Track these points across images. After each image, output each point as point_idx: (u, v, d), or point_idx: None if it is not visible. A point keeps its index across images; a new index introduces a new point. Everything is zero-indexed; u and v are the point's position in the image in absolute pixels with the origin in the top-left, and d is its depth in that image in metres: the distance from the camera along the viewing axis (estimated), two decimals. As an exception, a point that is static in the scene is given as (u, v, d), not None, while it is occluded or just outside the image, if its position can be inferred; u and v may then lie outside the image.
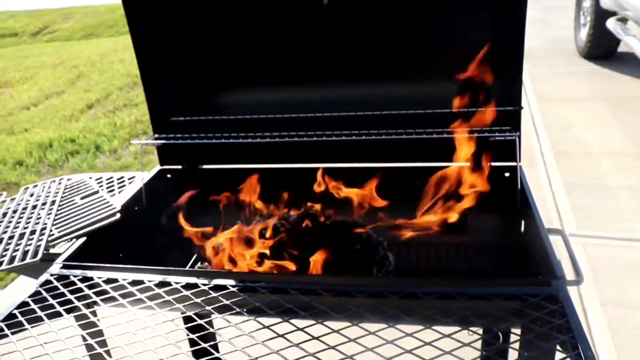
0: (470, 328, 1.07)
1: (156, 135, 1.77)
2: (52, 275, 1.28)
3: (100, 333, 1.15)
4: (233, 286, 1.14)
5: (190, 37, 1.72)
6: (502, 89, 1.56)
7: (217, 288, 1.15)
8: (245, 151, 1.79)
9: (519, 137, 1.48)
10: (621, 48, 6.38)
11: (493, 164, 1.63)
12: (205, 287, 1.15)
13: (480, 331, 1.15)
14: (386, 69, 1.67)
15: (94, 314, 1.17)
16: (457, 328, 1.00)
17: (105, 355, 1.03)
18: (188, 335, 1.10)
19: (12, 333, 1.11)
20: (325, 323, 1.02)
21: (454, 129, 1.55)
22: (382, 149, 1.70)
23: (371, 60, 1.67)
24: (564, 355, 0.93)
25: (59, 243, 1.44)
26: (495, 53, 1.54)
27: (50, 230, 1.46)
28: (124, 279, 1.22)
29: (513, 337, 1.01)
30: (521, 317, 0.99)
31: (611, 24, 5.55)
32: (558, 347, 0.95)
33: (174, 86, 1.80)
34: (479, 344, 0.98)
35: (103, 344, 1.08)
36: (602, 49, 6.30)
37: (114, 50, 10.47)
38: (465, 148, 1.50)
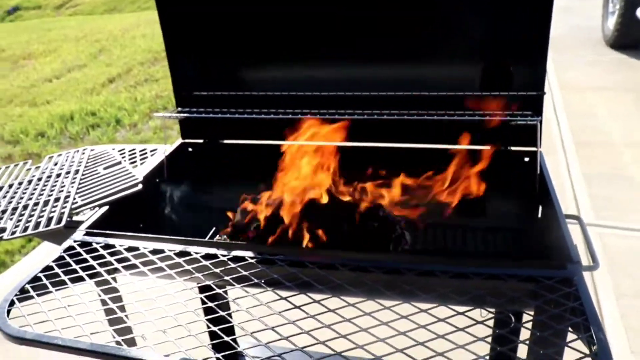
0: (485, 308, 1.08)
1: (179, 109, 1.79)
2: (75, 241, 1.32)
3: (120, 298, 1.19)
4: (252, 258, 1.17)
5: (215, 10, 1.73)
6: (526, 74, 1.55)
7: (235, 259, 1.17)
8: (266, 127, 1.79)
9: (540, 122, 1.47)
10: (650, 37, 6.24)
11: (513, 148, 1.63)
12: (225, 258, 1.18)
13: (494, 311, 1.16)
14: (410, 50, 1.66)
15: (115, 280, 1.21)
16: (471, 307, 1.01)
17: (125, 318, 1.06)
18: (204, 303, 1.13)
19: (38, 295, 1.15)
20: (341, 297, 1.04)
21: (475, 112, 1.54)
22: (403, 130, 1.70)
23: (395, 42, 1.66)
24: (575, 337, 0.94)
25: (82, 211, 1.47)
26: (520, 37, 1.52)
27: (74, 199, 1.50)
28: (144, 248, 1.25)
29: (526, 318, 1.02)
30: (535, 298, 0.99)
31: (641, 12, 5.43)
32: (570, 330, 0.95)
33: (198, 60, 1.82)
34: (491, 323, 0.99)
35: (123, 308, 1.12)
36: (630, 38, 6.17)
37: (136, 25, 10.50)
38: (486, 131, 1.49)
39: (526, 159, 1.59)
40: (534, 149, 1.55)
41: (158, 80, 6.75)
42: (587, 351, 0.88)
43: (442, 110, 1.60)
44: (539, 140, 1.48)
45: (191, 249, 1.22)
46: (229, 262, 1.16)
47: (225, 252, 1.20)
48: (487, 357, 0.97)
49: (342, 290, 1.06)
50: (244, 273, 1.13)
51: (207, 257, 1.20)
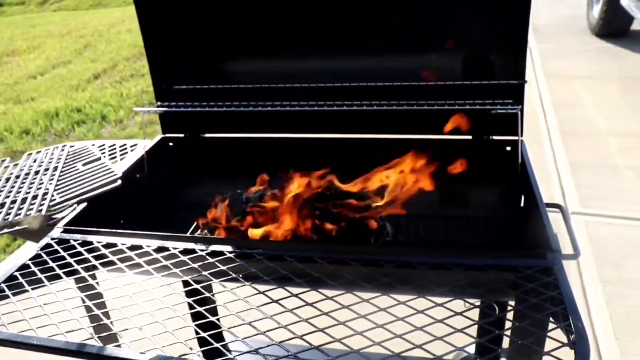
0: (465, 300, 1.07)
1: (159, 103, 1.77)
2: (52, 239, 1.30)
3: (98, 296, 1.17)
4: (230, 252, 1.15)
5: (193, 4, 1.70)
6: (506, 62, 1.54)
7: (214, 254, 1.16)
8: (246, 120, 1.78)
9: (521, 110, 1.46)
10: (634, 26, 6.27)
11: (495, 137, 1.63)
12: (203, 253, 1.16)
13: (478, 302, 1.16)
14: (390, 40, 1.65)
15: (93, 277, 1.19)
16: (451, 298, 1.00)
17: (102, 317, 1.04)
18: (187, 299, 1.11)
19: (13, 294, 1.13)
20: (319, 290, 1.03)
21: (455, 101, 1.54)
22: (383, 121, 1.69)
23: (373, 31, 1.65)
24: (555, 326, 0.94)
25: (60, 208, 1.45)
26: (499, 24, 1.51)
27: (52, 195, 1.48)
28: (122, 244, 1.24)
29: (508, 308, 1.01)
30: (515, 288, 0.99)
31: (626, 1, 5.44)
32: (551, 319, 0.95)
33: (177, 54, 1.79)
34: (471, 314, 0.98)
35: (101, 306, 1.10)
36: (614, 27, 6.20)
37: (122, 20, 10.40)
38: (465, 120, 1.48)
39: (508, 148, 1.59)
40: (515, 137, 1.55)
41: (144, 75, 6.69)
42: (565, 340, 0.88)
43: (422, 100, 1.59)
44: (520, 129, 1.48)
45: (169, 244, 1.21)
46: (207, 257, 1.15)
47: (203, 247, 1.18)
48: (468, 349, 0.97)
49: (320, 283, 1.05)
50: (222, 268, 1.12)
51: (185, 252, 1.18)
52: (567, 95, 4.90)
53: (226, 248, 1.17)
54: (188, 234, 1.49)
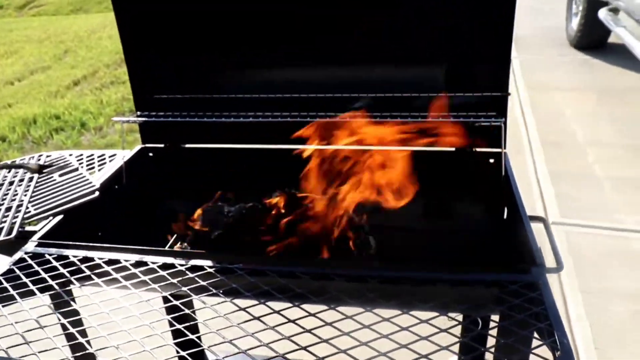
0: (450, 314, 1.06)
1: (139, 113, 1.74)
2: (26, 253, 1.26)
3: (74, 313, 1.13)
4: (210, 267, 1.13)
5: (174, 11, 1.68)
6: (489, 74, 1.54)
7: (194, 269, 1.13)
8: (228, 131, 1.76)
9: (505, 123, 1.47)
10: (611, 39, 6.38)
11: (478, 149, 1.63)
12: (182, 268, 1.14)
13: (460, 317, 1.15)
14: (373, 51, 1.64)
15: (69, 293, 1.15)
16: (436, 314, 0.99)
17: (78, 335, 1.01)
18: (166, 316, 1.08)
19: (-17, 311, 1.09)
20: (302, 307, 1.01)
21: (439, 113, 1.53)
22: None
23: (359, 43, 1.64)
24: (541, 342, 0.93)
25: (35, 221, 1.41)
26: (483, 37, 1.52)
27: (27, 207, 1.43)
28: (99, 258, 1.20)
29: (492, 325, 1.00)
30: (500, 303, 0.98)
31: (602, 14, 5.54)
32: (535, 335, 0.94)
33: (158, 62, 1.77)
34: (456, 330, 0.97)
35: (77, 323, 1.06)
36: (592, 39, 6.30)
37: (103, 26, 10.29)
38: (449, 133, 1.48)
39: (491, 160, 1.59)
40: (498, 150, 1.55)
41: (125, 82, 6.60)
42: (551, 357, 0.87)
43: (405, 112, 1.58)
44: (503, 141, 1.48)
45: (148, 258, 1.18)
46: (187, 272, 1.12)
47: (183, 262, 1.16)
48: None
49: (303, 298, 1.03)
50: (202, 283, 1.09)
51: (164, 267, 1.15)
52: (548, 106, 4.96)
53: (206, 262, 1.14)
54: (167, 248, 1.45)
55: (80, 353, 0.96)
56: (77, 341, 0.99)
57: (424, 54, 1.61)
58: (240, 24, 1.67)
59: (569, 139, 4.37)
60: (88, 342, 0.98)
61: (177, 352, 0.93)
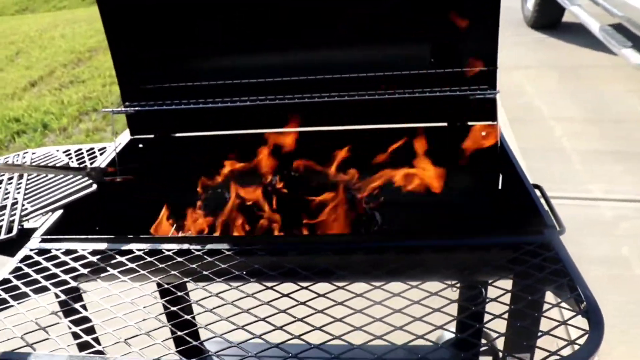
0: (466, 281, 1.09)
1: (126, 104, 1.70)
2: (31, 250, 1.22)
3: (95, 305, 1.11)
4: (228, 250, 1.12)
5: (157, 1, 1.65)
6: (479, 48, 1.57)
7: (211, 253, 1.12)
8: (217, 117, 1.74)
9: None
10: (565, 18, 6.59)
11: (469, 123, 1.66)
12: (200, 253, 1.13)
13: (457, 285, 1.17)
14: (359, 29, 1.65)
15: (79, 288, 1.13)
16: (449, 283, 1.02)
17: (103, 326, 0.99)
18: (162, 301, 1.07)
19: (-3, 310, 1.05)
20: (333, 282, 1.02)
21: (432, 89, 1.56)
22: (359, 111, 1.69)
23: (345, 22, 1.64)
24: (558, 300, 0.97)
25: (31, 218, 1.37)
26: (471, 11, 1.55)
27: (23, 205, 1.39)
28: (110, 250, 1.18)
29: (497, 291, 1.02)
30: (520, 264, 1.01)
31: (558, -7, 5.71)
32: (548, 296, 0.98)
33: (143, 53, 1.73)
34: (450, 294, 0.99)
35: (99, 316, 1.04)
36: (548, 18, 6.49)
37: (54, 26, 9.93)
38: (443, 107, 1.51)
39: (483, 133, 1.63)
40: (490, 122, 1.59)
41: (84, 81, 6.42)
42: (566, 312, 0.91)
43: (399, 89, 1.60)
44: (497, 113, 1.52)
45: (161, 246, 1.16)
46: (206, 257, 1.12)
47: (199, 247, 1.15)
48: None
49: (327, 274, 1.04)
50: (223, 266, 1.08)
51: (179, 253, 1.14)
52: (510, 84, 5.09)
53: (223, 246, 1.14)
54: (180, 235, 1.44)
55: (111, 344, 0.95)
56: (104, 333, 0.98)
57: (412, 30, 1.62)
58: (223, 10, 1.65)
59: (535, 115, 4.51)
60: (114, 332, 0.97)
61: (213, 333, 0.92)
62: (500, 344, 1.04)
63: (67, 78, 6.66)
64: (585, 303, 0.89)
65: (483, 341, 1.11)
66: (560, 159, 3.83)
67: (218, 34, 1.69)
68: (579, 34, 6.15)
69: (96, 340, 0.98)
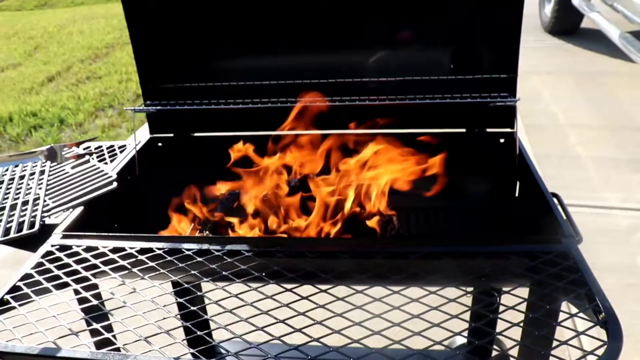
0: (484, 287, 1.09)
1: (147, 102, 1.72)
2: (52, 245, 1.24)
3: (103, 303, 1.12)
4: (247, 251, 1.13)
5: (180, 0, 1.67)
6: (500, 56, 1.58)
7: (230, 254, 1.13)
8: (237, 118, 1.76)
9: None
10: (583, 24, 6.54)
11: (488, 130, 1.66)
12: (219, 253, 1.14)
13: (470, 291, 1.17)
14: (382, 35, 1.65)
15: (96, 285, 1.14)
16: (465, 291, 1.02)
17: (123, 324, 1.00)
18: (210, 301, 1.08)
19: (20, 305, 1.07)
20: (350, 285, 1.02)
21: (452, 95, 1.56)
22: (377, 116, 1.70)
23: (365, 27, 1.65)
24: (576, 310, 0.97)
25: (53, 214, 1.39)
26: (493, 18, 1.55)
27: (44, 201, 1.41)
28: (131, 248, 1.19)
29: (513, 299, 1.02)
30: (538, 272, 1.01)
31: (576, 0, 5.66)
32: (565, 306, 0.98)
33: (165, 52, 1.75)
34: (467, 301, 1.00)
35: (106, 314, 1.06)
36: (566, 24, 6.45)
37: (72, 21, 10.04)
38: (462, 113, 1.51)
39: (501, 140, 1.63)
40: (509, 130, 1.59)
41: (101, 77, 6.48)
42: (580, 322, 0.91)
43: (415, 95, 1.60)
44: (516, 121, 1.52)
45: (183, 245, 1.18)
46: (225, 257, 1.13)
47: (218, 247, 1.16)
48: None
49: (344, 277, 1.05)
50: (242, 267, 1.10)
51: (198, 253, 1.15)
52: (527, 90, 5.06)
53: (243, 247, 1.15)
54: (198, 235, 1.45)
55: (132, 341, 0.96)
56: (125, 330, 0.99)
57: (434, 37, 1.63)
58: (246, 11, 1.67)
59: (550, 121, 4.48)
60: (134, 330, 0.98)
61: (233, 333, 0.93)
62: (515, 352, 1.04)
63: (84, 74, 6.73)
64: (603, 314, 0.89)
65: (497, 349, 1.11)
66: (575, 166, 3.80)
67: (240, 35, 1.71)
68: (596, 40, 6.11)
69: (116, 337, 0.99)
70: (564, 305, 1.00)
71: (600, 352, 0.83)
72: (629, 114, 4.50)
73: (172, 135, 1.80)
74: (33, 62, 7.56)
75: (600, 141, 4.11)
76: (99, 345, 0.96)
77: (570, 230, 1.12)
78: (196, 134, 1.83)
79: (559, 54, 6.02)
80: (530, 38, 6.51)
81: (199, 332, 0.94)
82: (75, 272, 1.15)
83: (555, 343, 0.88)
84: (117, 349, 0.94)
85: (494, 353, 0.98)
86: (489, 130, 1.64)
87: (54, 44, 8.41)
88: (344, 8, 1.63)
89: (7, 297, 1.09)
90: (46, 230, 1.32)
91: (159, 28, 1.72)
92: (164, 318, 0.99)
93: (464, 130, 1.66)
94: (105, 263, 1.16)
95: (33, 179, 1.55)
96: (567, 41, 6.39)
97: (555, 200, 1.39)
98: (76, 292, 1.12)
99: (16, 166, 1.66)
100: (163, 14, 1.69)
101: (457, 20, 1.59)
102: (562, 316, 0.97)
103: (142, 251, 1.18)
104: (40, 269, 1.16)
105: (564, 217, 1.17)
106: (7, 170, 1.64)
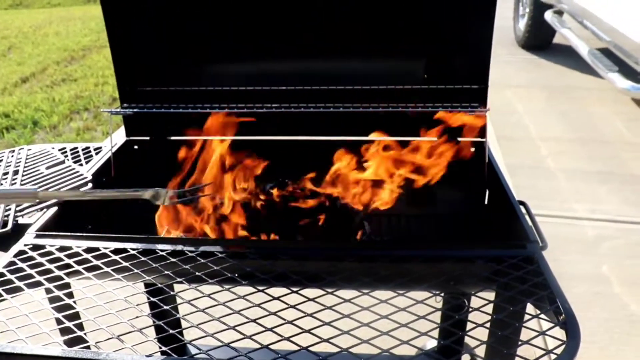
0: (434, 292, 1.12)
1: (124, 105, 1.72)
2: (25, 245, 1.24)
3: (76, 302, 1.13)
4: (221, 253, 1.15)
5: (159, 2, 1.68)
6: (471, 67, 1.62)
7: (204, 255, 1.15)
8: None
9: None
10: (556, 40, 6.72)
11: (460, 139, 1.71)
12: (193, 254, 1.15)
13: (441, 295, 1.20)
14: (360, 43, 1.69)
15: (69, 285, 1.14)
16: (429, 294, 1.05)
17: (95, 322, 1.01)
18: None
19: (-10, 303, 1.07)
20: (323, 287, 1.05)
21: (425, 104, 1.60)
22: (352, 123, 1.73)
23: (346, 35, 1.69)
24: (538, 312, 1.01)
25: (27, 213, 1.39)
26: (464, 28, 1.60)
27: (17, 201, 1.40)
28: (105, 248, 1.20)
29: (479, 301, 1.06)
30: (502, 276, 1.05)
31: (549, 15, 5.83)
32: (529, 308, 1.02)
33: (142, 55, 1.76)
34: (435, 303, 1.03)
35: (92, 312, 1.06)
36: (539, 39, 6.62)
37: (48, 22, 9.91)
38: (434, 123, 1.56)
39: (472, 149, 1.67)
40: (479, 139, 1.63)
41: (77, 80, 6.41)
42: (544, 323, 0.95)
43: (388, 103, 1.64)
44: (486, 131, 1.57)
45: (157, 246, 1.19)
46: (199, 258, 1.14)
47: (192, 248, 1.17)
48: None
49: (315, 279, 1.07)
50: (215, 268, 1.11)
51: (173, 254, 1.16)
52: (500, 102, 5.17)
53: (216, 248, 1.16)
54: (175, 236, 1.46)
55: (103, 340, 0.97)
56: (97, 329, 1.00)
57: (405, 46, 1.67)
58: (224, 16, 1.69)
59: (522, 133, 4.59)
60: (107, 327, 0.99)
61: (204, 332, 0.95)
62: (481, 352, 1.08)
63: (59, 76, 6.64)
64: (563, 315, 0.93)
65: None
66: (546, 177, 3.90)
67: (218, 40, 1.73)
68: (567, 55, 6.28)
69: (88, 336, 1.00)
70: (530, 308, 1.04)
71: (559, 350, 0.87)
72: (597, 127, 4.63)
73: (148, 138, 1.81)
74: (6, 63, 7.43)
75: (570, 153, 4.23)
76: (71, 343, 0.96)
77: (535, 236, 1.17)
78: (172, 138, 1.83)
79: (532, 69, 6.17)
80: (505, 52, 6.66)
81: (170, 331, 0.95)
82: (49, 271, 1.15)
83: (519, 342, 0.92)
84: (89, 347, 0.94)
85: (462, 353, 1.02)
86: (460, 139, 1.68)
87: (29, 44, 8.28)
88: (317, 16, 1.66)
89: (-22, 295, 1.08)
90: (20, 230, 1.32)
91: (137, 30, 1.72)
92: (137, 317, 1.00)
93: (435, 139, 1.70)
94: (78, 263, 1.17)
95: (6, 178, 1.54)
96: (540, 56, 6.56)
97: (522, 207, 1.45)
98: (48, 291, 1.12)
99: (-11, 166, 1.64)
100: (142, 15, 1.70)
101: (430, 32, 1.64)
102: (527, 317, 1.01)
103: (116, 251, 1.19)
104: (12, 267, 1.16)
105: (530, 224, 1.21)
106: (-21, 169, 1.62)
